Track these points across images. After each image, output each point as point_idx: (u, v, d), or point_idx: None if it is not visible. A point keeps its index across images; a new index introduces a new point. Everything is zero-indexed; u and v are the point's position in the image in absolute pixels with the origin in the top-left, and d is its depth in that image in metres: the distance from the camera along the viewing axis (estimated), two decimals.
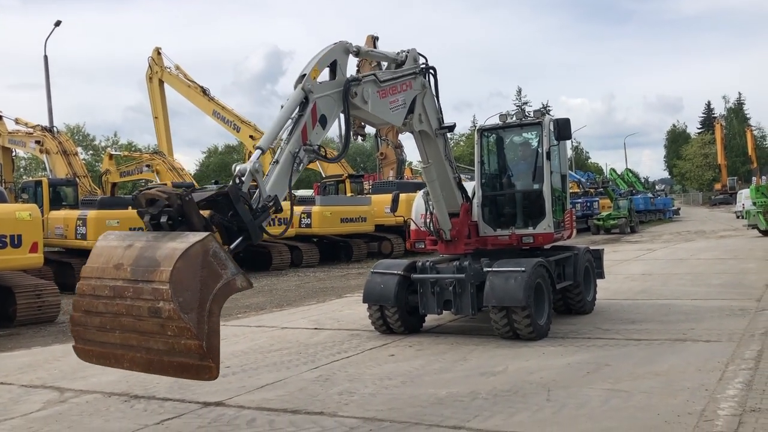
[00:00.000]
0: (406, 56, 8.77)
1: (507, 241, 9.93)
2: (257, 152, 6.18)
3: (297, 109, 6.56)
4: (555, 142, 10.03)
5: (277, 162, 6.31)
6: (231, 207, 5.49)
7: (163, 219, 5.20)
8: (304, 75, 6.73)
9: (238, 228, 5.53)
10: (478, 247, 9.99)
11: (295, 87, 6.70)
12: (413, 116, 8.71)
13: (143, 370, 5.26)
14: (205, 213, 5.45)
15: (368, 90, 7.61)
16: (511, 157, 10.68)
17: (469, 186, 10.37)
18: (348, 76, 7.32)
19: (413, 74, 8.70)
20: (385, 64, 8.96)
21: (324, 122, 6.86)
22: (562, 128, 9.73)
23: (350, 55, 7.51)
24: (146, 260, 4.94)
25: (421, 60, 8.93)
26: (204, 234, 5.00)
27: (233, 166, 6.01)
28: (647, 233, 36.65)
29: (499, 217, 10.21)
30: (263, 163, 6.09)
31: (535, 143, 10.23)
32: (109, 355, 5.28)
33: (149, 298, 4.84)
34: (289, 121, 6.53)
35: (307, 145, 6.52)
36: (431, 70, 9.06)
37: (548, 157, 9.81)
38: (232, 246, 5.50)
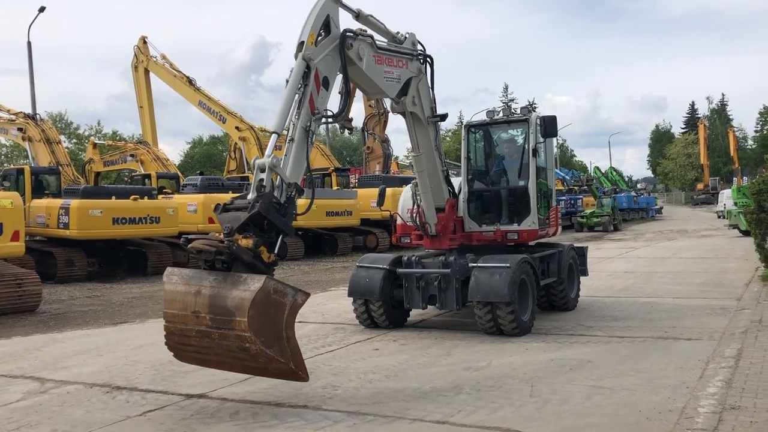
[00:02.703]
0: (405, 38, 8.88)
1: (492, 237, 9.95)
2: (273, 137, 6.58)
3: (301, 80, 6.79)
4: (541, 139, 10.05)
5: (292, 140, 6.67)
6: (264, 218, 6.00)
7: (218, 265, 5.86)
8: (303, 42, 6.93)
9: (276, 232, 6.10)
10: (464, 242, 10.00)
11: (296, 56, 6.91)
12: (406, 98, 8.82)
13: (243, 373, 6.41)
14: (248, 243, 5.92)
15: (364, 48, 7.80)
16: (498, 153, 10.70)
17: (456, 181, 10.38)
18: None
19: (410, 55, 8.82)
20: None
21: (327, 84, 7.14)
22: (549, 125, 9.75)
23: (341, 8, 7.65)
24: (220, 309, 5.67)
25: (419, 47, 9.04)
26: (261, 278, 5.64)
27: (252, 160, 6.43)
28: (630, 231, 36.96)
29: (484, 212, 10.23)
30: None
31: (521, 140, 10.26)
32: (209, 363, 6.22)
33: (235, 341, 5.65)
34: (297, 95, 6.77)
35: (316, 114, 6.87)
36: (428, 59, 9.16)
37: (534, 154, 9.84)
38: (276, 251, 6.07)
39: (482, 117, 10.42)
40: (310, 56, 6.89)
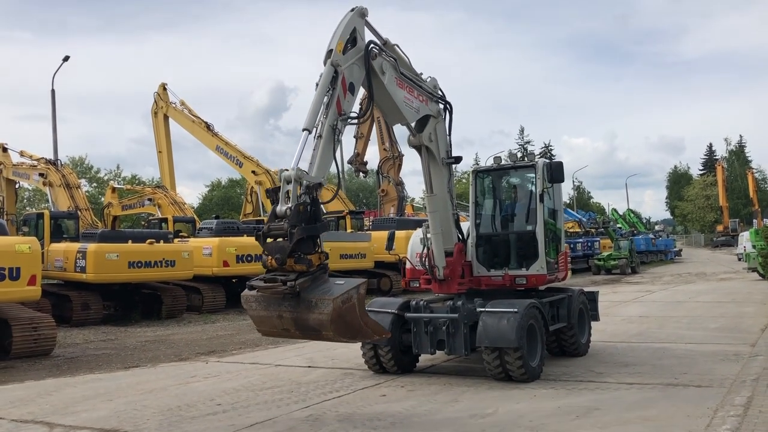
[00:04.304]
0: (428, 80, 9.31)
1: (500, 281, 9.97)
2: (304, 134, 7.13)
3: (330, 84, 7.31)
4: (549, 185, 10.15)
5: (320, 136, 7.17)
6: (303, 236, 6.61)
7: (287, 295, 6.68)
8: (332, 50, 7.45)
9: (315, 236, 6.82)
10: (472, 287, 10.03)
11: (325, 63, 7.42)
12: (423, 134, 9.21)
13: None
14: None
15: (386, 66, 8.29)
16: (505, 198, 10.80)
17: (465, 226, 10.46)
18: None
19: (431, 95, 9.25)
20: None
21: (352, 89, 7.67)
22: (555, 172, 9.87)
23: (370, 31, 8.17)
24: (306, 328, 6.65)
25: (440, 93, 9.47)
26: (330, 302, 6.44)
27: (279, 172, 6.97)
28: (648, 274, 36.58)
29: (492, 257, 10.28)
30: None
31: (528, 185, 10.36)
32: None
33: (327, 339, 6.86)
34: (325, 97, 7.26)
35: (342, 115, 7.38)
36: (448, 105, 9.52)
37: (541, 200, 9.92)
38: (321, 249, 6.79)
39: (491, 162, 10.58)
40: (338, 62, 7.44)
